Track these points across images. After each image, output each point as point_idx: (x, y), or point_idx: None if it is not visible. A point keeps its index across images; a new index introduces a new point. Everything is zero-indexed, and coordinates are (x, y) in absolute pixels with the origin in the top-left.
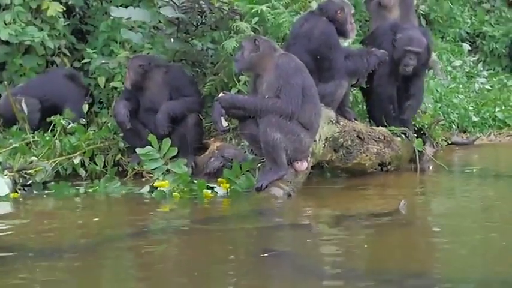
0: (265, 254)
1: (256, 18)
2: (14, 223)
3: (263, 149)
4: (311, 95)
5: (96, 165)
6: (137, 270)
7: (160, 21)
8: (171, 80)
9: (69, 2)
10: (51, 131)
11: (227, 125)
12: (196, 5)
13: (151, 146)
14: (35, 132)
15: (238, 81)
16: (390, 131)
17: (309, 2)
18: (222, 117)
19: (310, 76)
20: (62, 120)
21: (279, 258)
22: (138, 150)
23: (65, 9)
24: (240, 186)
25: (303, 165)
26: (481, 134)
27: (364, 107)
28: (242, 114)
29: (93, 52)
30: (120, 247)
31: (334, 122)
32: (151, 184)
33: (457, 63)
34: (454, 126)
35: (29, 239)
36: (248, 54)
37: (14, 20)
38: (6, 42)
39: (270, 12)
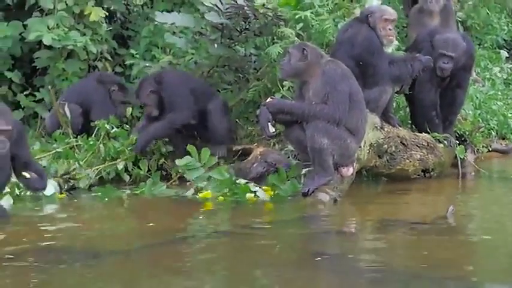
0: (319, 258)
1: (301, 24)
2: (66, 226)
3: (310, 154)
4: (358, 101)
5: (140, 169)
6: (193, 273)
7: (203, 27)
8: (163, 91)
9: (111, 8)
10: (94, 135)
11: (274, 130)
12: (241, 11)
13: (190, 155)
14: (78, 136)
15: (282, 86)
16: (433, 137)
17: (354, 8)
18: (269, 123)
19: (356, 82)
20: (106, 125)
21: (333, 261)
22: (177, 161)
23: (107, 14)
24: (285, 192)
25: (349, 171)
26: None
27: (406, 113)
28: (289, 119)
29: (135, 56)
30: (173, 250)
31: (378, 128)
32: (195, 187)
33: (495, 69)
34: (493, 133)
35: (84, 242)
36: (295, 62)
37: (57, 25)
38: (49, 47)
39: (314, 18)
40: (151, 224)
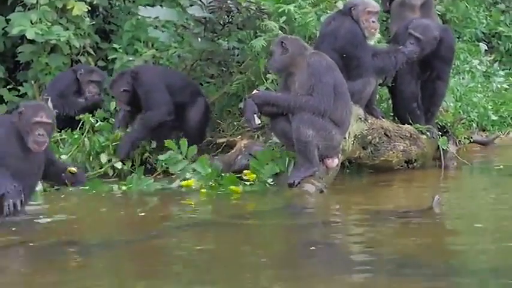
0: (312, 247)
1: (284, 18)
2: (60, 218)
3: (295, 146)
4: (342, 93)
5: (124, 164)
6: (183, 264)
7: (186, 21)
8: (138, 87)
9: (94, 2)
10: (79, 129)
11: (260, 122)
12: (224, 5)
13: (172, 150)
14: (62, 130)
15: (266, 79)
16: (416, 128)
17: (336, 1)
18: (255, 115)
19: (341, 74)
20: (90, 119)
21: (325, 250)
22: (160, 157)
23: (89, 8)
24: (265, 175)
25: (334, 162)
26: (500, 132)
27: (389, 105)
28: (275, 111)
29: (118, 50)
30: (160, 242)
31: (362, 119)
32: (180, 180)
33: (475, 62)
34: (474, 124)
35: (83, 233)
36: (278, 57)
37: (40, 19)
38: (32, 41)
39: (297, 12)
40: (142, 214)
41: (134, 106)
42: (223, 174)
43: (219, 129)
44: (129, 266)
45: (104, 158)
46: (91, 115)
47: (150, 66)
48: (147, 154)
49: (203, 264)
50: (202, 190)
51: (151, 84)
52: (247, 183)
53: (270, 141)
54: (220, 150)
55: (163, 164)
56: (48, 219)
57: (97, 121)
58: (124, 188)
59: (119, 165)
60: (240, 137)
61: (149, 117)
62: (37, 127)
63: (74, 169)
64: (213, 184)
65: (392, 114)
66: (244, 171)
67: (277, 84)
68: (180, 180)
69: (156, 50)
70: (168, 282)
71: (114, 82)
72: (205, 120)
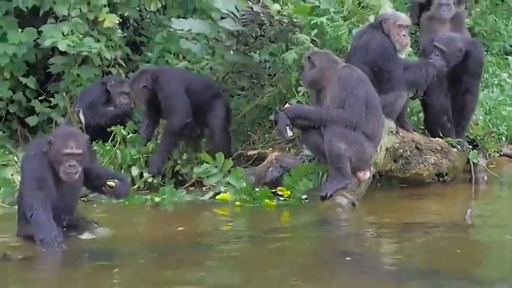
0: (348, 258)
1: (315, 31)
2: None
3: (328, 159)
4: (374, 106)
5: (154, 177)
6: (223, 275)
7: (218, 33)
8: (159, 91)
9: (125, 14)
10: (110, 141)
11: (292, 134)
12: (256, 18)
13: (207, 163)
14: (93, 142)
15: (297, 92)
16: (446, 141)
17: (368, 15)
18: (287, 127)
19: (372, 87)
20: (122, 130)
21: (361, 261)
22: (195, 170)
23: (121, 20)
24: (299, 191)
25: (366, 175)
26: None
27: (420, 118)
28: (307, 124)
29: (149, 62)
30: (196, 254)
31: (394, 132)
32: (213, 192)
33: (504, 75)
34: (503, 138)
35: (118, 247)
36: (308, 72)
37: (71, 31)
38: (64, 53)
39: (328, 25)
40: (180, 229)
41: (152, 106)
42: (256, 188)
43: (250, 142)
44: (162, 278)
45: (135, 171)
46: (122, 127)
47: (171, 69)
48: (178, 166)
49: (237, 276)
50: (237, 203)
51: (171, 88)
52: (281, 198)
53: (301, 153)
54: (251, 162)
55: (198, 176)
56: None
57: (128, 133)
58: (157, 199)
59: (150, 178)
60: (271, 149)
61: (171, 125)
62: (68, 158)
63: (112, 183)
64: (247, 198)
65: (422, 127)
66: (279, 188)
67: (308, 97)
68: (215, 193)
69: (188, 62)
70: None
71: (135, 79)
72: (226, 123)
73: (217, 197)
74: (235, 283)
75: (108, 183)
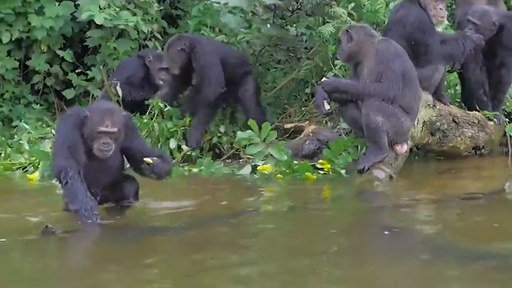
0: (386, 232)
1: (352, 4)
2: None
3: (365, 132)
4: (411, 79)
5: (193, 150)
6: (263, 246)
7: (255, 6)
8: (194, 61)
9: None
10: (148, 113)
11: (329, 108)
12: None
13: (252, 130)
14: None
15: (334, 65)
16: (483, 115)
17: None
18: (325, 101)
19: (410, 61)
20: (159, 103)
21: (399, 235)
22: (239, 134)
23: None
24: (339, 165)
25: (404, 148)
26: None
27: (456, 91)
28: (344, 98)
29: None
30: (237, 225)
31: (431, 105)
32: (252, 165)
33: None
34: None
35: (162, 220)
36: (345, 45)
37: (108, 4)
38: (100, 26)
39: None
40: (224, 203)
41: (183, 74)
42: (295, 162)
43: (286, 115)
44: (202, 252)
45: (173, 143)
46: (160, 100)
47: (209, 40)
48: (215, 139)
49: (277, 249)
50: (279, 176)
51: (208, 59)
52: (321, 172)
53: (338, 127)
54: (287, 135)
55: (235, 145)
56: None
57: (165, 106)
58: (195, 170)
59: (188, 151)
60: (307, 122)
61: (205, 96)
62: (102, 136)
63: (149, 160)
64: (287, 170)
65: (459, 100)
66: (320, 161)
67: (345, 70)
68: (254, 165)
69: (225, 35)
70: (241, 267)
71: (172, 42)
72: (257, 97)
73: (259, 167)
74: (275, 255)
75: (145, 159)
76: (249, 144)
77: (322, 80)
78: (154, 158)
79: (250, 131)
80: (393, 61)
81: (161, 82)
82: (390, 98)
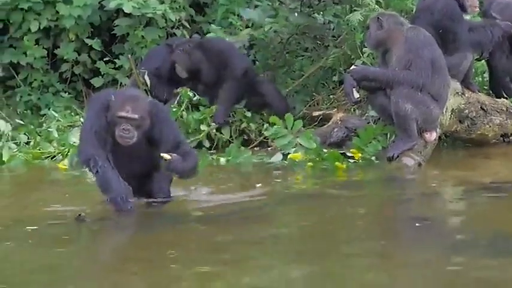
0: (418, 224)
1: None
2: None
3: (394, 120)
4: (440, 67)
5: (223, 135)
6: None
7: None
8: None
9: None
10: (176, 103)
11: (358, 96)
12: None
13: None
14: None
15: (362, 53)
16: (511, 102)
17: None
18: (354, 89)
19: (438, 48)
20: (188, 92)
21: (428, 225)
22: (265, 132)
23: None
24: (369, 153)
25: (432, 136)
26: None
27: (484, 79)
28: (373, 85)
29: (212, 24)
30: (266, 211)
31: (459, 93)
32: (283, 152)
33: None
34: None
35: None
36: (374, 33)
37: None
38: (128, 15)
39: None
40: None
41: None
42: (325, 150)
43: (314, 103)
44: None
45: (204, 127)
46: (189, 89)
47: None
48: (244, 124)
49: (303, 236)
50: (309, 164)
51: (224, 44)
52: (351, 160)
53: (366, 114)
54: (316, 123)
55: (270, 137)
56: None
57: (194, 95)
58: (222, 159)
59: (217, 136)
60: (335, 110)
61: (232, 72)
62: (122, 121)
63: (167, 156)
64: (317, 159)
65: (486, 88)
66: (351, 150)
67: (373, 58)
68: (285, 153)
69: (252, 25)
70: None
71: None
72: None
73: (290, 155)
74: (302, 243)
75: (162, 155)
76: (277, 138)
77: (351, 68)
78: (174, 155)
79: (275, 127)
80: (422, 49)
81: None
82: (419, 86)
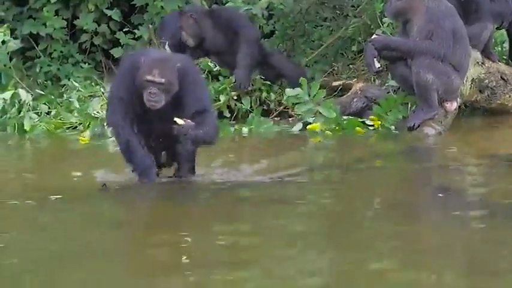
0: (440, 194)
1: None
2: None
3: (415, 90)
4: (461, 37)
5: (243, 104)
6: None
7: None
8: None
9: None
10: None
11: (379, 66)
12: None
13: (301, 88)
14: None
15: (382, 23)
16: None
17: None
18: (375, 59)
19: (460, 19)
20: (209, 63)
21: (451, 196)
22: (287, 91)
23: None
24: (389, 122)
25: (453, 106)
26: None
27: (503, 48)
28: (394, 55)
29: None
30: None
31: (480, 63)
32: (303, 122)
33: None
34: None
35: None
36: (395, 3)
37: None
38: None
39: None
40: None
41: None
42: (344, 117)
43: (333, 73)
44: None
45: (223, 98)
46: (209, 60)
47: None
48: (264, 94)
49: (327, 207)
50: (328, 133)
51: (232, 11)
52: (371, 128)
53: (386, 84)
54: (335, 93)
55: (289, 101)
56: None
57: (215, 65)
58: (244, 129)
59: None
60: (355, 80)
61: (246, 36)
62: (149, 85)
63: (180, 120)
64: (336, 127)
65: (505, 57)
66: (370, 117)
67: (393, 28)
68: (304, 123)
69: None
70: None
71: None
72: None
73: (308, 127)
74: (322, 215)
75: (176, 119)
76: (297, 103)
77: (372, 37)
78: (188, 120)
79: (298, 88)
80: (444, 19)
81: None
82: (441, 56)
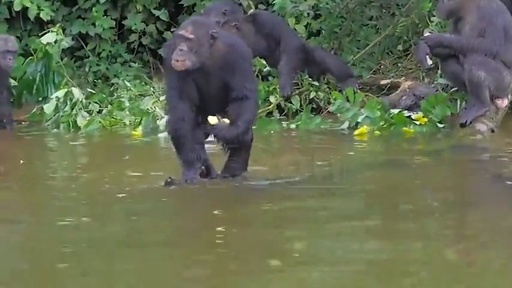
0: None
1: None
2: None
3: (468, 87)
4: None
5: (293, 104)
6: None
7: None
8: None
9: None
10: None
11: (432, 63)
12: None
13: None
14: None
15: (431, 22)
16: None
17: None
18: (427, 56)
19: (511, 16)
20: (263, 61)
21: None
22: (330, 108)
23: None
24: (436, 116)
25: (504, 102)
26: None
27: None
28: (446, 53)
29: None
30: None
31: None
32: (350, 126)
33: None
34: None
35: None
36: (447, 2)
37: None
38: None
39: None
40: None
41: None
42: (392, 111)
43: (381, 72)
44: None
45: (273, 99)
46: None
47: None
48: (313, 93)
49: (379, 203)
50: (376, 132)
51: (273, 18)
52: (417, 122)
53: (435, 82)
54: (383, 91)
55: (336, 111)
56: None
57: (265, 66)
58: (293, 126)
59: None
60: (403, 78)
61: (288, 45)
62: (180, 41)
63: (213, 119)
64: (385, 125)
65: None
66: (415, 116)
67: (441, 27)
68: (352, 126)
69: None
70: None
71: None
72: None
73: (356, 132)
74: (377, 210)
75: (209, 118)
76: (342, 112)
77: (426, 34)
78: (222, 119)
79: (338, 101)
80: (496, 17)
81: None
82: (493, 53)
